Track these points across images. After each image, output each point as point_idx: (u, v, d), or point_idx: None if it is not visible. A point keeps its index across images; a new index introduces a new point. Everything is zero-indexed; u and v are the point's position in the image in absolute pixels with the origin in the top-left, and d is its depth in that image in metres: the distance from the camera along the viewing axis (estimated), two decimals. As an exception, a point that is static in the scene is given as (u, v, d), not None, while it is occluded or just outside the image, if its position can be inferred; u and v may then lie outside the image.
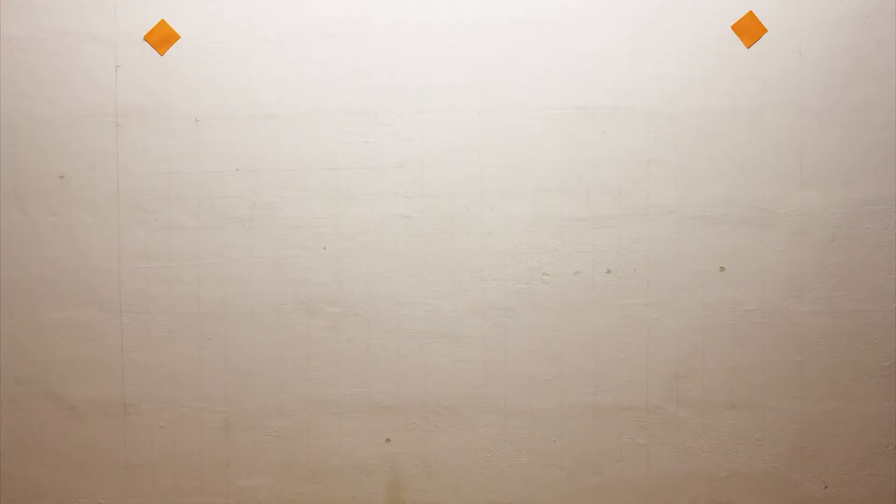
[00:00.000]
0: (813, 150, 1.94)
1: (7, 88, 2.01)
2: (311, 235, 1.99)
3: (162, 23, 1.96)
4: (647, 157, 1.96)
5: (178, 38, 1.93)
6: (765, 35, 1.92)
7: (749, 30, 1.91)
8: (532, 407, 1.99)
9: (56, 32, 2.00)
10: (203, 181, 2.00)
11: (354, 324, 2.00)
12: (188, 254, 2.01)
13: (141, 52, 1.99)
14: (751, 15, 1.89)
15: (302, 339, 2.00)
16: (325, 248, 1.99)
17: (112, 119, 2.00)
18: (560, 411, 1.99)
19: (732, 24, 1.91)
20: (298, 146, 1.99)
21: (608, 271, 1.97)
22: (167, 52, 1.98)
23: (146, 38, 1.96)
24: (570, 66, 1.96)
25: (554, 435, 1.99)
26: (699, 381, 1.97)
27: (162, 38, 1.97)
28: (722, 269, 1.96)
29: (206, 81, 1.99)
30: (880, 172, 1.93)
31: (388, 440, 2.01)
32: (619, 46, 1.95)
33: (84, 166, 2.01)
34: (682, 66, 1.95)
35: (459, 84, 1.98)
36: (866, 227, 1.94)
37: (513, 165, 1.97)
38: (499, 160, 1.98)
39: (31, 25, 2.00)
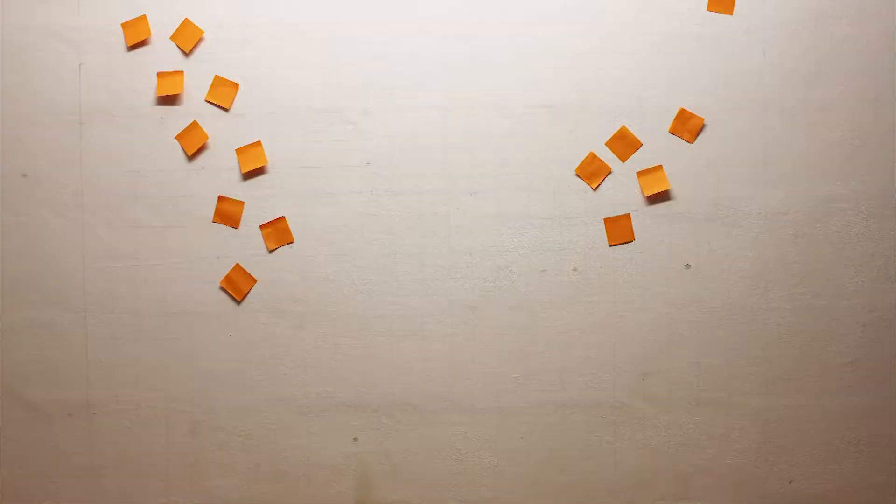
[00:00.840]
0: (776, 149, 1.96)
1: (-31, 87, 1.99)
2: (278, 234, 1.99)
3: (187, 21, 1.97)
4: (612, 157, 1.97)
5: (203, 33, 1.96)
6: (638, 141, 1.94)
7: (622, 144, 1.95)
8: (499, 405, 1.99)
9: (17, 29, 1.98)
10: (168, 180, 1.99)
11: (321, 323, 1.99)
12: (153, 253, 1.99)
13: (105, 50, 1.98)
14: (623, 130, 1.94)
15: (268, 338, 1.99)
16: (291, 247, 1.99)
17: (75, 117, 1.99)
18: (527, 409, 1.99)
19: (606, 140, 1.95)
20: (265, 144, 1.98)
21: (575, 269, 1.98)
22: (135, 50, 1.98)
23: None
24: (536, 66, 1.97)
25: (521, 433, 2.00)
26: (665, 378, 1.98)
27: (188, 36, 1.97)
28: (687, 266, 1.97)
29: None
30: (843, 171, 1.95)
31: (355, 439, 2.01)
32: (586, 47, 1.97)
33: (47, 165, 1.99)
34: (646, 67, 1.96)
35: (426, 83, 1.98)
36: (829, 224, 1.96)
37: (479, 164, 1.98)
38: (465, 159, 1.98)
39: (-6, 23, 1.98)
